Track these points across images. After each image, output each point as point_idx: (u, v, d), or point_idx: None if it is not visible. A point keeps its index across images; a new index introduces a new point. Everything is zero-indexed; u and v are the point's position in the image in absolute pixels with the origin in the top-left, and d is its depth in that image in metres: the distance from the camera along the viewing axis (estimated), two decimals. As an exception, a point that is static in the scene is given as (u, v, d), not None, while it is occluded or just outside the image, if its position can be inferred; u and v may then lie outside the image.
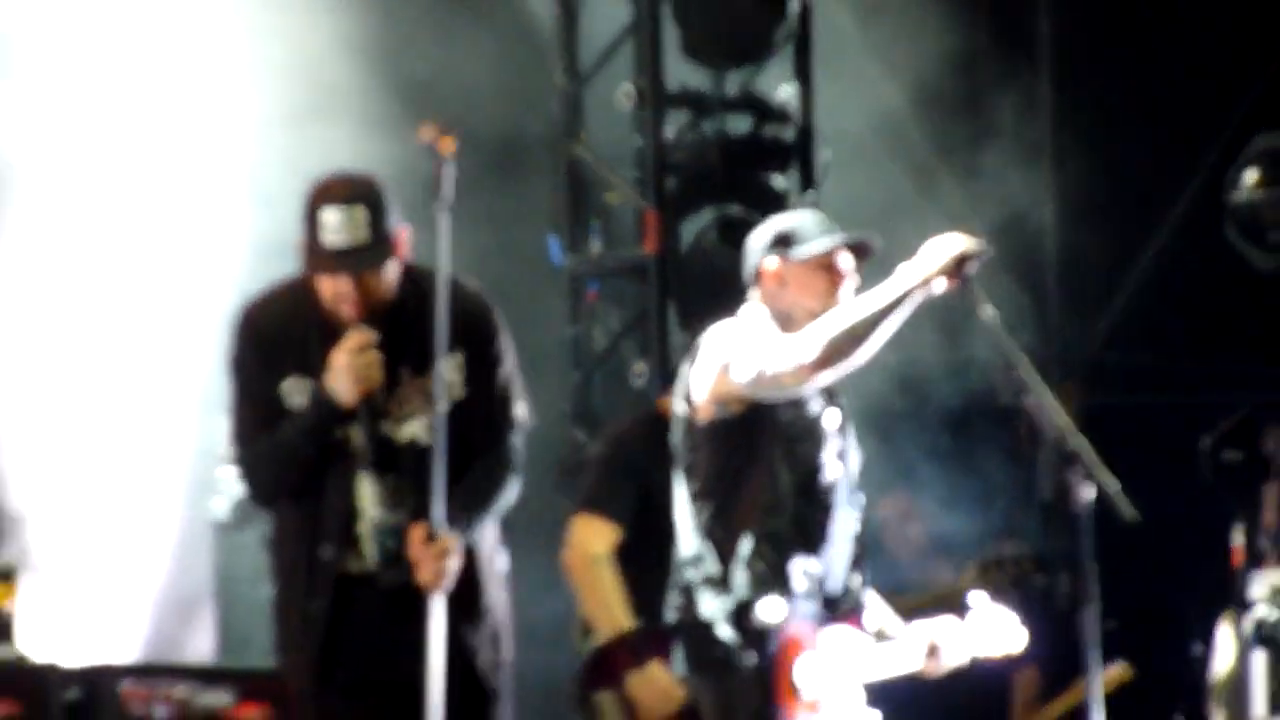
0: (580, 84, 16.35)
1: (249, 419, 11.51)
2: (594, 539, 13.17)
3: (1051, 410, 11.57)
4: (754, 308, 11.72)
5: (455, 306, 11.44)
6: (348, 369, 11.19)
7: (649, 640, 12.92)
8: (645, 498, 13.43)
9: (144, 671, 13.97)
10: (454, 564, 11.13)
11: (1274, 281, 15.32)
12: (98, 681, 13.65)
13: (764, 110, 16.09)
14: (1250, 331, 14.58)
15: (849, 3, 17.06)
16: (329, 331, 11.31)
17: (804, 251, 11.60)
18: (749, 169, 15.95)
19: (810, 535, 11.67)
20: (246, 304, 11.77)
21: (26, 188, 16.73)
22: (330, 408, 11.23)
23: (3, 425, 16.57)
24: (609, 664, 12.97)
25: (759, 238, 11.90)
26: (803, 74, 16.11)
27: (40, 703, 13.47)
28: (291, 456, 11.44)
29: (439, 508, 10.95)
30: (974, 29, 17.72)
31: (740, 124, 16.19)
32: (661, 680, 13.01)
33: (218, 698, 13.84)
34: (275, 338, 11.50)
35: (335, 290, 11.26)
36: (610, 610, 13.08)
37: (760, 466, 11.59)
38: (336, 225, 11.29)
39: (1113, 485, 11.48)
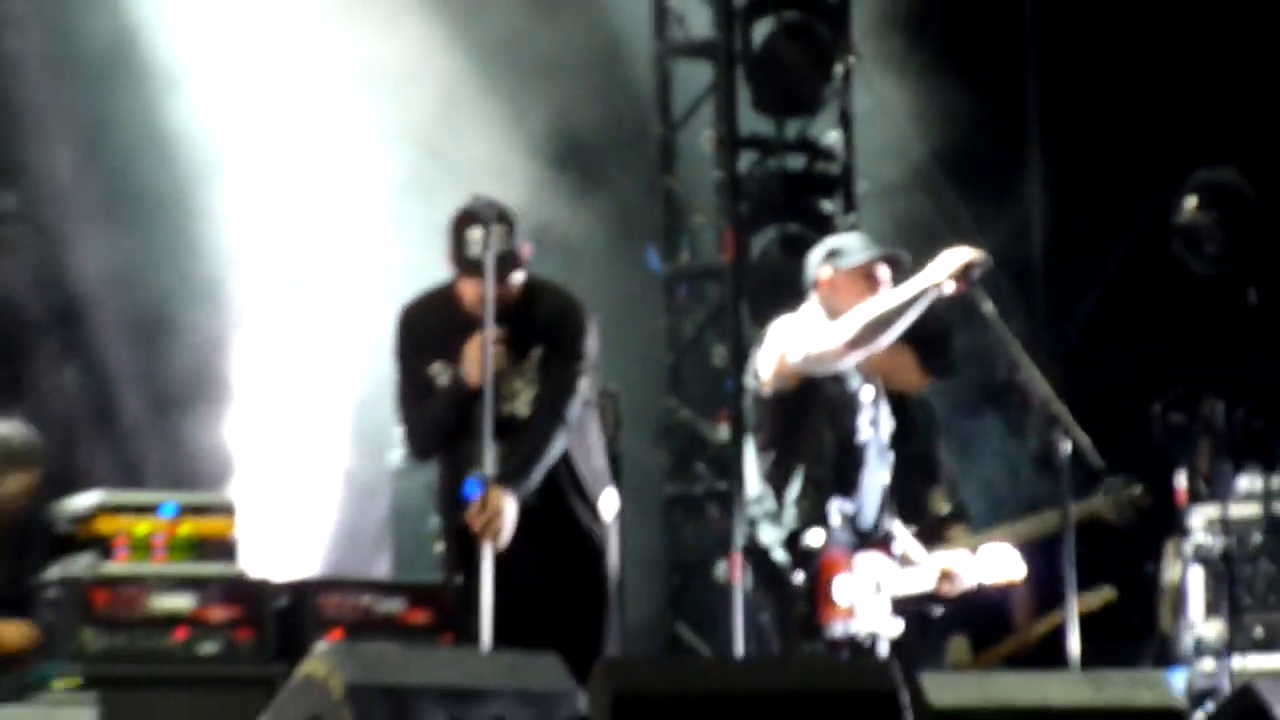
0: (673, 131, 16.49)
1: (407, 394, 11.96)
2: None
3: (1038, 384, 11.96)
4: (811, 306, 12.10)
5: (549, 309, 11.90)
6: (477, 358, 11.59)
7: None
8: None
9: (336, 584, 14.20)
10: (508, 517, 11.54)
11: (1208, 284, 15.48)
12: (301, 592, 13.88)
13: (815, 151, 16.23)
14: (1190, 322, 14.67)
15: (881, 69, 17.11)
16: (467, 326, 11.65)
17: (850, 262, 12.06)
18: (804, 196, 16.11)
19: (846, 482, 12.14)
20: (405, 305, 12.20)
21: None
22: (463, 387, 11.65)
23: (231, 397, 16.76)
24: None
25: (816, 253, 12.37)
26: (845, 123, 16.27)
27: (258, 609, 13.68)
28: (437, 423, 11.85)
29: (489, 464, 11.36)
30: (979, 87, 17.85)
31: (797, 161, 16.24)
32: None
33: (393, 605, 14.05)
34: (426, 331, 11.93)
35: (476, 293, 11.61)
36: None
37: (808, 428, 12.03)
38: (480, 241, 11.65)
39: (1085, 441, 11.86)
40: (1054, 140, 18.41)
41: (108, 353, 16.82)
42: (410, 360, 12.11)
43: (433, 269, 12.20)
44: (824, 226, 15.13)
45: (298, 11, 16.70)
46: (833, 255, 12.28)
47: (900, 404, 13.33)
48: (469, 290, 11.83)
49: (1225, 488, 13.73)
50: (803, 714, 10.15)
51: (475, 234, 11.77)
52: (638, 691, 10.11)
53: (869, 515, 12.29)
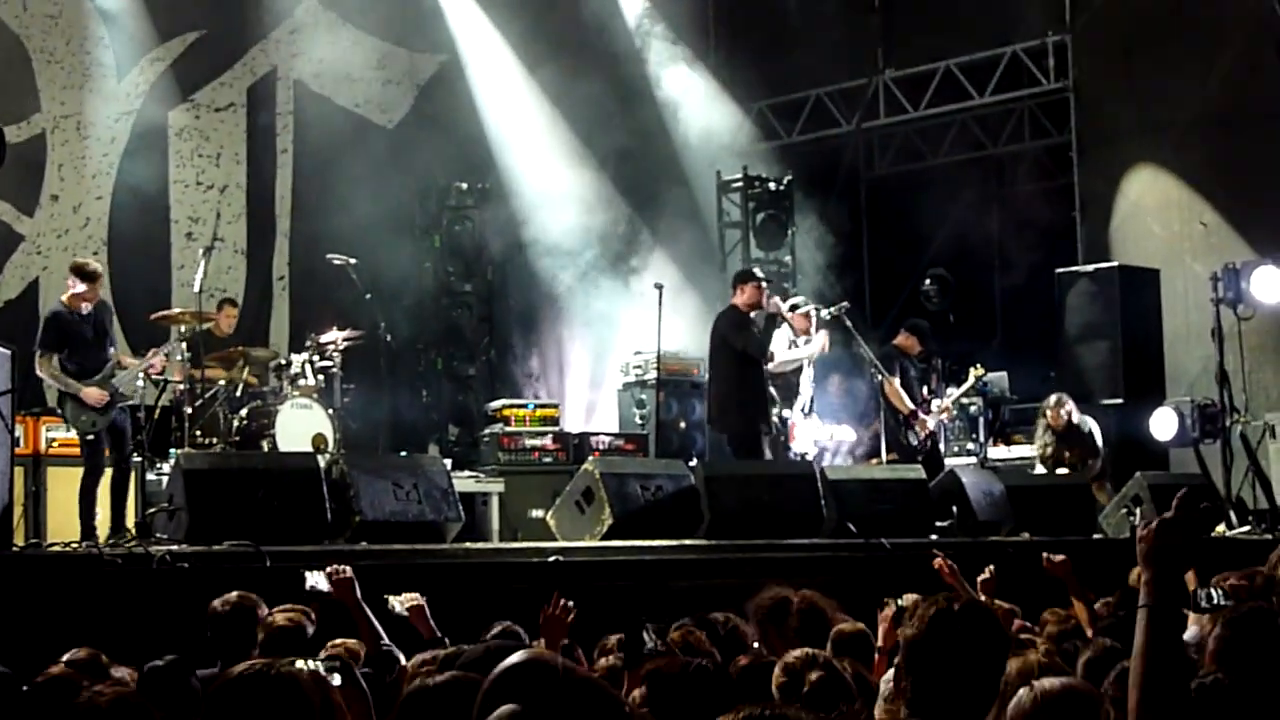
0: (726, 257, 16.19)
1: (754, 340, 11.60)
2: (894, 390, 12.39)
3: (868, 354, 12.09)
4: (784, 329, 12.31)
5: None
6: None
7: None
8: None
9: (597, 433, 14.21)
10: None
11: (935, 313, 15.32)
12: (583, 435, 13.95)
13: (781, 263, 16.09)
14: (933, 325, 14.02)
15: (807, 230, 16.81)
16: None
17: (797, 310, 12.20)
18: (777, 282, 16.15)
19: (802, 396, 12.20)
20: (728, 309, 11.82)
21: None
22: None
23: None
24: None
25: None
26: (791, 253, 16.07)
27: (566, 443, 13.71)
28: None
29: None
30: (844, 235, 17.48)
31: (773, 268, 15.81)
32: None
33: (619, 441, 14.01)
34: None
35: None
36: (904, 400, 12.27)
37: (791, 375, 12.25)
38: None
39: (888, 376, 11.96)
40: (876, 256, 17.97)
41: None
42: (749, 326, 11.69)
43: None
44: (784, 295, 14.87)
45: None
46: (791, 308, 12.44)
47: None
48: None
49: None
50: (782, 482, 10.37)
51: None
52: (715, 473, 10.35)
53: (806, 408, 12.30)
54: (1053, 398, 13.45)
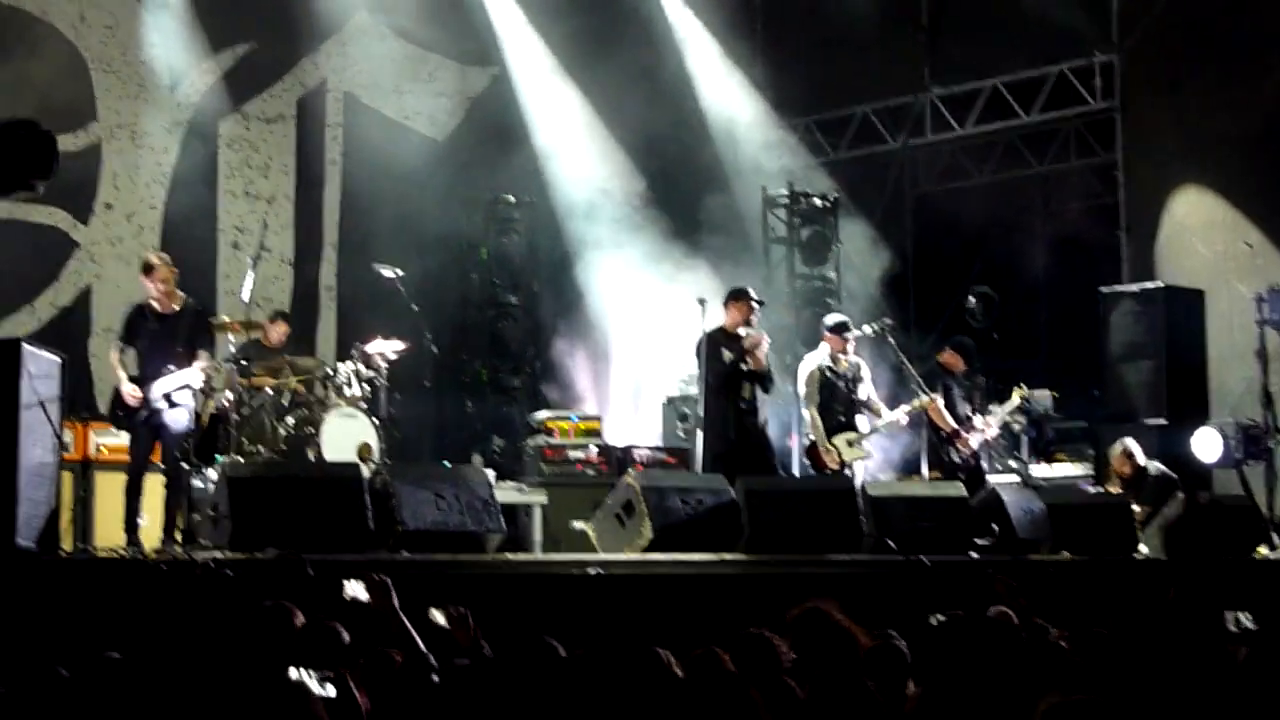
0: (770, 271, 16.08)
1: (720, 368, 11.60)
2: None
3: (910, 368, 11.98)
4: (823, 345, 12.12)
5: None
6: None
7: None
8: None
9: (639, 446, 14.08)
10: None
11: (980, 330, 15.18)
12: (626, 449, 13.77)
13: (825, 279, 16.02)
14: (977, 341, 14.01)
15: (854, 247, 16.69)
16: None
17: (835, 329, 12.06)
18: (821, 298, 16.04)
19: (837, 415, 12.04)
20: (710, 331, 11.78)
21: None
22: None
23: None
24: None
25: (823, 322, 12.46)
26: (837, 269, 16.05)
27: (609, 456, 13.72)
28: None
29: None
30: (889, 251, 17.38)
31: (817, 284, 15.91)
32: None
33: (660, 455, 13.89)
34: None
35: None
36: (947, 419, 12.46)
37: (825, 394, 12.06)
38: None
39: (922, 385, 11.85)
40: (921, 273, 17.75)
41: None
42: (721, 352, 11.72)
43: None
44: (828, 311, 14.83)
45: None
46: (830, 327, 12.28)
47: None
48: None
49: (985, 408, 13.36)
50: (821, 498, 10.33)
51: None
52: (755, 488, 10.33)
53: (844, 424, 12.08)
54: (1116, 445, 13.16)
